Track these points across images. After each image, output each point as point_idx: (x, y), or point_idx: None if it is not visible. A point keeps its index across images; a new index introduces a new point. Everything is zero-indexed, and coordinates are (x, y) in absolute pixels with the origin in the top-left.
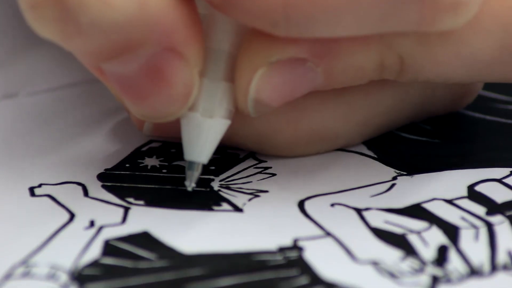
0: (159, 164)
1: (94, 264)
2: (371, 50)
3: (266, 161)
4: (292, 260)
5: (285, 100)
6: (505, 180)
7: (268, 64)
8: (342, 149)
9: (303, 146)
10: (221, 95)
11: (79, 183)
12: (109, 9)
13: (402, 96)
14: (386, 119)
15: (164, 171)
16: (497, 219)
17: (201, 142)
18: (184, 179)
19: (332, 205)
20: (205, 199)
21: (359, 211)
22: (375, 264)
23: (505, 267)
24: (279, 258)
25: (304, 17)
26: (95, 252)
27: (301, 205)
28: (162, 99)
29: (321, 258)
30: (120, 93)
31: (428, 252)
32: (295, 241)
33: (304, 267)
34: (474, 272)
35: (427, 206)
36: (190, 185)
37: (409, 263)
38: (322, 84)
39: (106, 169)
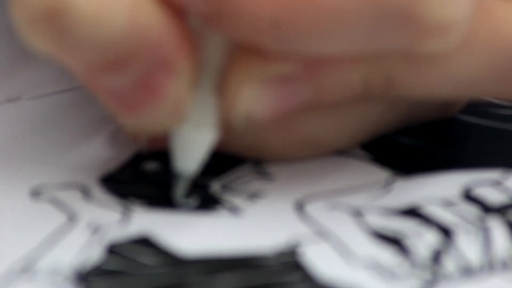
0: (160, 168)
1: (94, 266)
2: (360, 68)
3: (264, 164)
4: (291, 262)
5: (274, 116)
6: (499, 183)
7: (258, 80)
8: (339, 151)
9: (295, 153)
10: (211, 107)
11: (80, 186)
12: (101, 26)
13: (392, 104)
14: (376, 126)
15: (165, 175)
16: (492, 221)
17: (190, 153)
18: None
19: (330, 206)
20: (203, 202)
21: (356, 212)
22: (372, 265)
23: (501, 269)
24: (277, 260)
25: (294, 34)
26: (95, 254)
27: (300, 207)
28: (154, 113)
29: (320, 260)
30: (111, 105)
31: (423, 254)
32: (294, 243)
33: (302, 269)
34: (469, 273)
35: (423, 207)
36: (179, 195)
37: (406, 264)
38: (311, 100)
39: (107, 172)
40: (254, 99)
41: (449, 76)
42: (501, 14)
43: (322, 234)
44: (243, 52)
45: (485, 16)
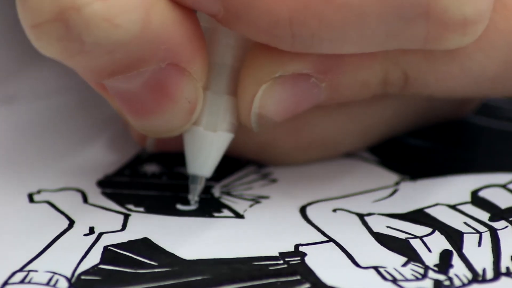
0: (159, 171)
1: (94, 270)
2: (375, 66)
3: (267, 167)
4: (294, 265)
5: (289, 115)
6: (508, 186)
7: (272, 79)
8: (344, 154)
9: (304, 155)
10: (224, 108)
11: (78, 190)
12: (114, 29)
13: (403, 106)
14: (387, 128)
15: (164, 178)
16: (500, 225)
17: (204, 155)
18: (186, 187)
19: (334, 210)
20: (206, 206)
21: (361, 216)
22: (377, 269)
23: (508, 273)
24: (280, 263)
25: (310, 34)
26: (94, 258)
27: (302, 210)
28: (166, 115)
29: (323, 264)
30: (123, 109)
31: (431, 257)
32: (297, 246)
33: (306, 273)
34: (477, 277)
35: (430, 211)
36: (193, 198)
37: (412, 268)
38: (326, 99)
39: (106, 176)
40: (267, 98)
41: (467, 72)
42: None
43: (327, 236)
44: (257, 51)
45: (504, 11)
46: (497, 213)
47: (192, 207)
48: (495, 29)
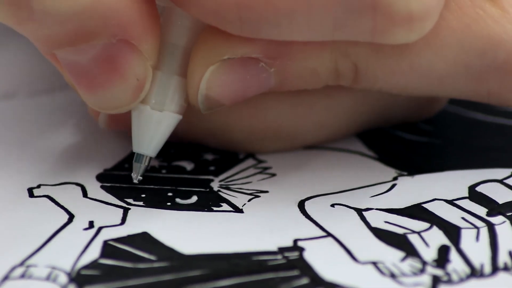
0: (158, 165)
1: (93, 264)
2: (325, 55)
3: (266, 161)
4: (292, 260)
5: (236, 99)
6: (506, 181)
7: (220, 61)
8: (342, 149)
9: (259, 143)
10: (173, 89)
11: (78, 184)
12: None
13: (362, 99)
14: (345, 121)
15: (163, 171)
16: (498, 220)
17: (150, 135)
18: (185, 181)
19: (333, 205)
20: (205, 200)
21: (359, 211)
22: (375, 264)
23: (506, 268)
24: (279, 258)
25: (257, 18)
26: (94, 253)
27: (301, 205)
28: (114, 91)
29: (322, 259)
30: (73, 81)
31: (428, 253)
32: (295, 241)
33: (304, 268)
34: (475, 272)
35: (428, 206)
36: (137, 177)
37: (410, 263)
38: (275, 85)
39: (105, 170)
40: (214, 79)
41: (416, 68)
42: (476, 11)
43: (326, 231)
44: (208, 32)
45: (457, 10)
46: (494, 208)
47: (190, 201)
48: (447, 28)
